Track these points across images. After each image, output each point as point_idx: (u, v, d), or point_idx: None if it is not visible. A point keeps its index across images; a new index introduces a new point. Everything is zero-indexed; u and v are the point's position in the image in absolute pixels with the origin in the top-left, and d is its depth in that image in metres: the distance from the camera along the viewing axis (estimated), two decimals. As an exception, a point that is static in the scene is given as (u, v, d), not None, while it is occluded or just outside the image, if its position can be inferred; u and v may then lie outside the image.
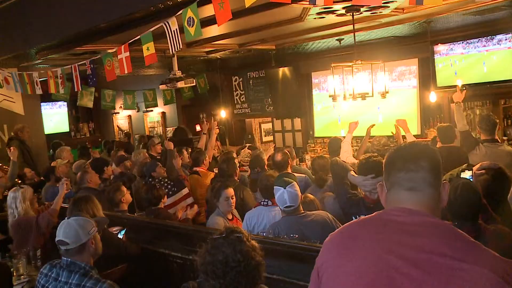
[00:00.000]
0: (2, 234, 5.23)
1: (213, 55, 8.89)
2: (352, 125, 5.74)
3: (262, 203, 4.36)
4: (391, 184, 1.61)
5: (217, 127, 7.21)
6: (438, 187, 1.57)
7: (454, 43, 7.64)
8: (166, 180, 5.82)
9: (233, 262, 2.07)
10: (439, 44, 7.79)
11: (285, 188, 3.62)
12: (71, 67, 5.80)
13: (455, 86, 6.67)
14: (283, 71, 10.06)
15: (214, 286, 2.11)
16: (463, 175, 3.47)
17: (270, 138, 11.40)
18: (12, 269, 3.91)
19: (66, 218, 2.99)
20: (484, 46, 7.38)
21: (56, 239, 2.91)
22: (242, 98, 11.20)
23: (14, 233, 4.57)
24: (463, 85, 7.28)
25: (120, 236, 4.32)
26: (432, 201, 1.56)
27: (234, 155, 6.26)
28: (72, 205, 4.00)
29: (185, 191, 5.76)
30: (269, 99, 10.55)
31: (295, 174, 4.57)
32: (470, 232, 1.80)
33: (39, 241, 4.47)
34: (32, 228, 4.51)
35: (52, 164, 5.68)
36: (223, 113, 10.82)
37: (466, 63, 7.64)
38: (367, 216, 1.65)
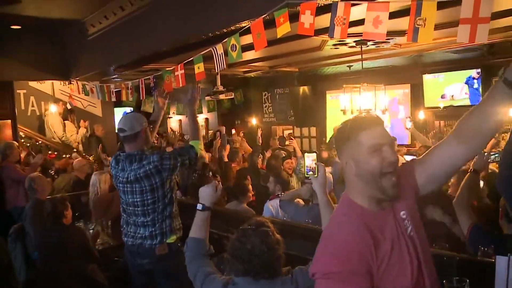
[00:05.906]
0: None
1: (248, 74, 8.90)
2: None
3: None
4: None
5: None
6: None
7: (438, 73, 7.53)
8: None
9: (259, 251, 1.95)
10: (427, 74, 7.67)
11: None
12: (139, 80, 5.88)
13: (438, 107, 6.57)
14: (303, 89, 9.95)
15: (238, 268, 1.99)
16: None
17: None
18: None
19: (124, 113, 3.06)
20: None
21: (117, 127, 2.96)
22: (270, 109, 11.13)
23: (96, 206, 4.49)
24: (444, 107, 7.24)
25: None
26: None
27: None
28: None
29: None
30: (291, 111, 10.45)
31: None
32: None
33: (115, 212, 4.34)
34: (113, 202, 4.34)
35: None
36: (253, 121, 10.81)
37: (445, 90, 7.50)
38: None
